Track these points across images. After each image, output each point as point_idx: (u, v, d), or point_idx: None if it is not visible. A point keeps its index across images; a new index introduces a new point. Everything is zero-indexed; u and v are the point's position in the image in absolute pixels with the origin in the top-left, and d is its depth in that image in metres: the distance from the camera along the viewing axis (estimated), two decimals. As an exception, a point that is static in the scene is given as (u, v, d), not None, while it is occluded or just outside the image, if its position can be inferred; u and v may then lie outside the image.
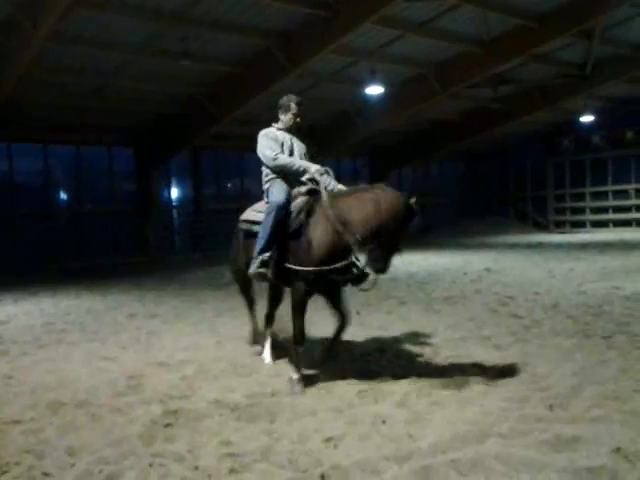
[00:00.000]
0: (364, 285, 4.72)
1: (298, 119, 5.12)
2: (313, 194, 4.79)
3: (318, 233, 4.51)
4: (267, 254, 4.69)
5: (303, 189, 4.88)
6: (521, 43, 14.08)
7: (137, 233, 17.52)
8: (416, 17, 12.80)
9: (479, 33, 13.86)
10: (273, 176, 5.01)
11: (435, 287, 9.75)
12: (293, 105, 5.09)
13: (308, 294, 4.60)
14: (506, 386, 4.34)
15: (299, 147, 5.16)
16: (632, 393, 4.06)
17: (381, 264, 4.35)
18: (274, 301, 5.48)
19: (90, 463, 3.30)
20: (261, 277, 4.84)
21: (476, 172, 27.28)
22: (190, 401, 4.29)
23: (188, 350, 5.87)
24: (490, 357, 5.15)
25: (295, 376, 4.49)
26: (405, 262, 14.06)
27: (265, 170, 5.06)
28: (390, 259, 4.38)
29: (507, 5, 12.79)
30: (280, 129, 5.12)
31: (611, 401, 3.94)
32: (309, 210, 4.65)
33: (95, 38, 11.35)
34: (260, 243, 4.72)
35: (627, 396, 4.01)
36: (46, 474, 3.18)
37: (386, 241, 4.28)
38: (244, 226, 5.14)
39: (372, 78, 14.42)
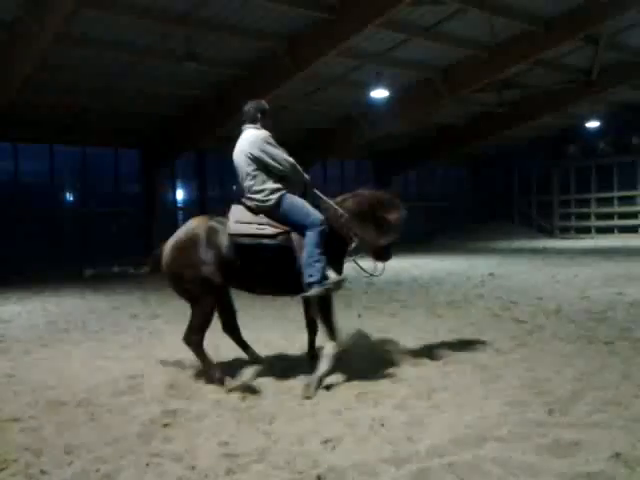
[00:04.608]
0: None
1: None
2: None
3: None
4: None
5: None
6: (527, 48, 14.11)
7: (142, 234, 17.56)
8: (422, 21, 12.83)
9: (485, 38, 13.88)
10: (282, 187, 4.81)
11: (438, 291, 9.73)
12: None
13: None
14: (506, 390, 4.32)
15: None
16: (633, 399, 4.04)
17: None
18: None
19: (87, 461, 3.30)
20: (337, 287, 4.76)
21: (481, 177, 27.26)
22: (189, 401, 4.29)
23: (189, 351, 5.86)
24: (491, 361, 5.13)
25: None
26: (409, 266, 14.06)
27: (270, 180, 4.78)
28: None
29: (513, 10, 12.82)
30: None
31: (612, 406, 3.91)
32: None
33: (101, 39, 11.43)
34: (321, 258, 4.60)
35: (628, 402, 3.99)
36: (43, 472, 3.18)
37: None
38: (245, 241, 4.65)
39: (377, 82, 14.46)
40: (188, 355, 5.65)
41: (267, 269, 4.75)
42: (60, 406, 4.24)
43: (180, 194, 19.98)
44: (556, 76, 17.10)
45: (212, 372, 4.71)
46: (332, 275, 4.69)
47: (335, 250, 4.84)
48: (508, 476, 3.01)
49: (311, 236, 4.63)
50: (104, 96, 14.08)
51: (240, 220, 4.75)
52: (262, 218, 4.76)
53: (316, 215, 4.73)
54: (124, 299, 9.96)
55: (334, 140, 19.36)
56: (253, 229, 4.70)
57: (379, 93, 14.92)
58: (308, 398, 4.28)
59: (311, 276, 4.58)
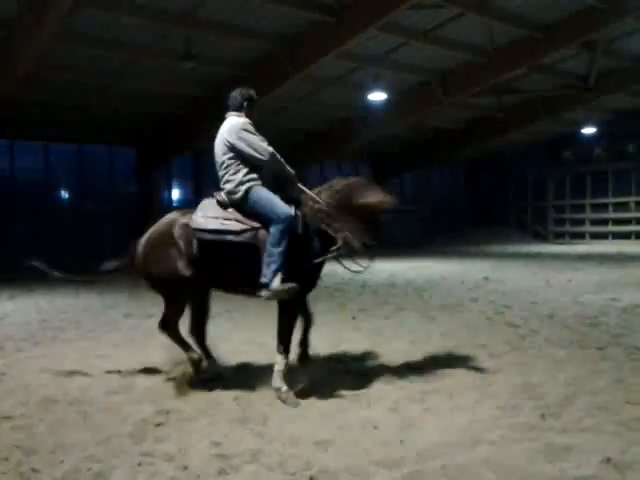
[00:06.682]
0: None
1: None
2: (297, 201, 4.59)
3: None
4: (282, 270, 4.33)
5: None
6: (525, 53, 14.14)
7: (137, 233, 17.51)
8: (421, 25, 12.84)
9: (483, 42, 13.91)
10: (255, 178, 4.54)
11: (432, 294, 9.75)
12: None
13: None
14: (499, 394, 4.33)
15: None
16: (624, 404, 4.06)
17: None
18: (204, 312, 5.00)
19: (79, 460, 3.29)
20: (286, 294, 4.33)
21: (477, 181, 27.31)
22: (182, 401, 4.29)
23: (181, 349, 5.85)
24: (484, 365, 5.14)
25: (284, 388, 4.31)
26: (404, 269, 14.08)
27: (243, 170, 4.54)
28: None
29: (511, 15, 12.83)
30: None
31: (603, 412, 3.93)
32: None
33: (100, 37, 11.41)
34: (277, 259, 4.27)
35: (619, 407, 4.01)
36: (34, 470, 3.17)
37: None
38: (208, 236, 4.44)
39: (375, 84, 14.48)
40: (181, 355, 5.65)
41: (233, 267, 4.50)
42: (52, 404, 4.23)
43: (176, 194, 19.95)
44: (554, 82, 17.15)
45: (190, 354, 4.77)
46: (276, 281, 4.28)
47: (312, 250, 4.48)
48: (500, 479, 3.02)
49: (273, 233, 4.32)
50: (102, 94, 14.05)
51: (206, 215, 4.51)
52: (231, 213, 4.51)
53: (282, 210, 4.37)
54: (117, 298, 9.93)
55: (331, 142, 19.37)
56: (217, 224, 4.46)
57: (377, 96, 14.95)
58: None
59: (264, 277, 4.30)
